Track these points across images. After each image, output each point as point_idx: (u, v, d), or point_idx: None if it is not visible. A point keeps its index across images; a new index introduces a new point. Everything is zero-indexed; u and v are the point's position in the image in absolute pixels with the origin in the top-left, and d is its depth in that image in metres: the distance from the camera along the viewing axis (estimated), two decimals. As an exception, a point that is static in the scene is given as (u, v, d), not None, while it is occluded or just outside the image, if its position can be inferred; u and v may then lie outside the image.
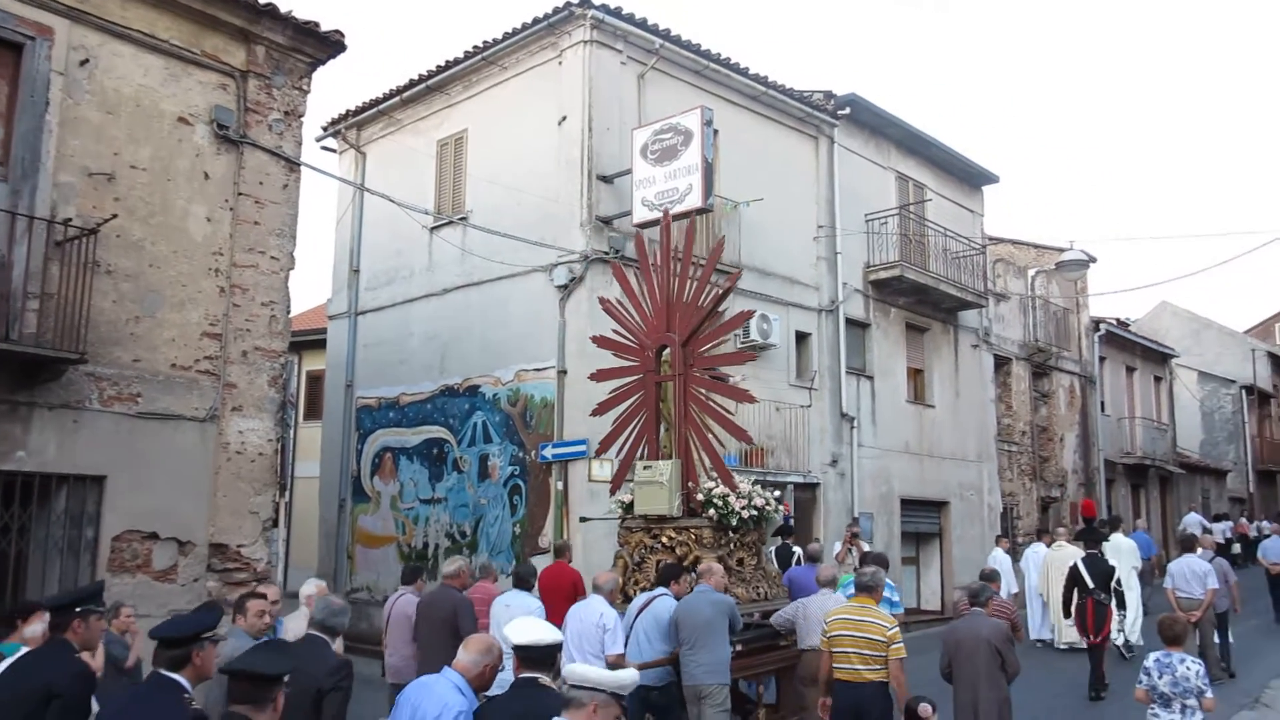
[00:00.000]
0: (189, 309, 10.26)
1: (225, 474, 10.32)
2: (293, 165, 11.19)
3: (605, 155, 14.92)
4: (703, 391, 10.15)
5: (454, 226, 16.51)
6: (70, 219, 9.31)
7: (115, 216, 9.63)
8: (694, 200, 13.89)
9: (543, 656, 4.79)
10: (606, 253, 14.61)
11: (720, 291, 10.35)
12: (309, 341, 20.45)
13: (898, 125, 20.86)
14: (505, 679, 5.08)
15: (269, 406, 10.77)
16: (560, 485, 14.27)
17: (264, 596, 7.33)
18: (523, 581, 9.69)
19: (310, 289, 30.73)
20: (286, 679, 4.23)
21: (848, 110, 19.47)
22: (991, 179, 23.95)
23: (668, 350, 10.29)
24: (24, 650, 5.57)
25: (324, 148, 19.32)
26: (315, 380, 21.74)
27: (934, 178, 22.40)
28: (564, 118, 15.07)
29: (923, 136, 21.51)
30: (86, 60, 9.70)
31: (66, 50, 9.54)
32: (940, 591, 21.17)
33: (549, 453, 14.35)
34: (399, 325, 17.29)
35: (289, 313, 11.13)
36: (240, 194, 10.70)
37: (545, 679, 4.74)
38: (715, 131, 14.44)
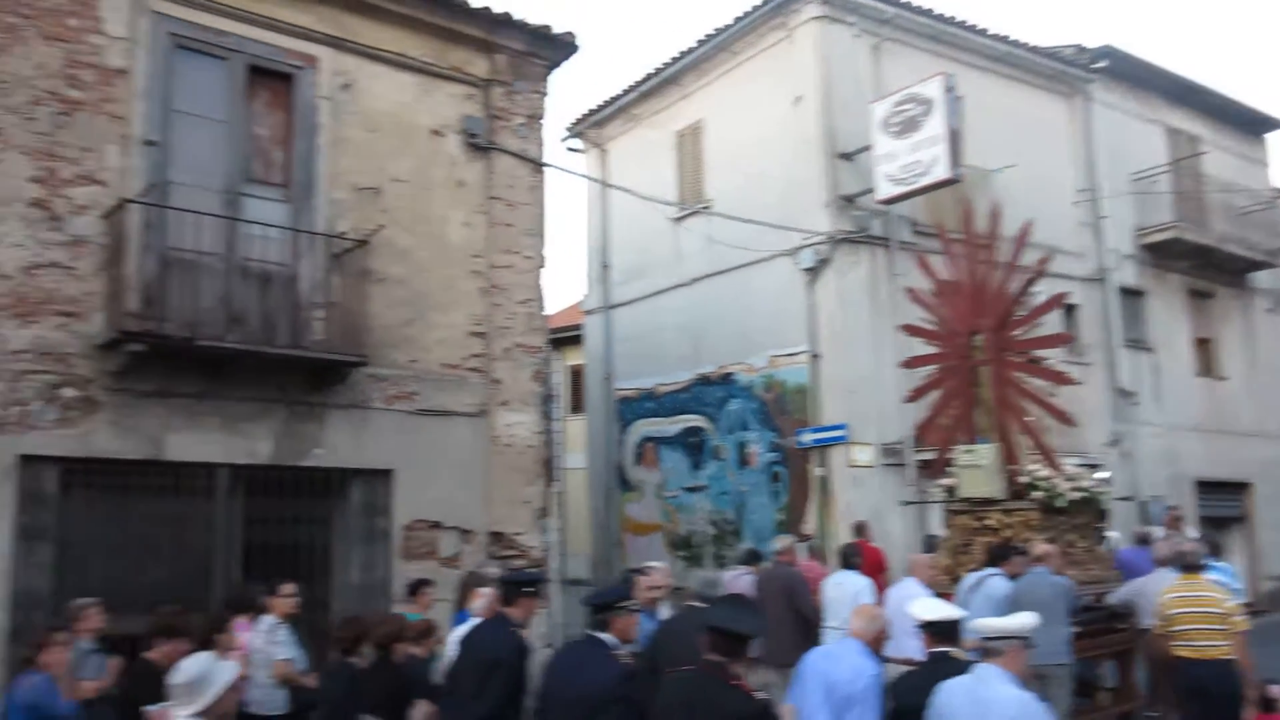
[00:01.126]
0: (454, 310, 10.78)
1: (498, 466, 10.75)
2: (538, 167, 11.59)
3: (844, 132, 14.59)
4: (1020, 376, 10.01)
5: (697, 216, 16.62)
6: (345, 232, 10.00)
7: (383, 227, 10.26)
8: (940, 171, 13.35)
9: (949, 631, 5.32)
10: (853, 232, 14.25)
11: (1030, 276, 10.12)
12: (569, 337, 21.14)
13: (1162, 75, 19.28)
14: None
15: (533, 400, 11.14)
16: (820, 471, 13.98)
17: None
18: (849, 561, 9.82)
19: (567, 287, 32.34)
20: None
21: (1104, 63, 18.17)
22: (1276, 124, 21.70)
23: (979, 335, 10.10)
24: (474, 621, 6.53)
25: (569, 149, 19.96)
26: (577, 375, 22.45)
27: (1208, 128, 20.52)
28: (799, 97, 14.88)
29: (1192, 84, 19.77)
30: (348, 84, 10.42)
31: (330, 76, 10.30)
32: (1247, 580, 19.18)
33: (807, 438, 14.11)
34: (651, 317, 17.56)
35: (544, 309, 11.51)
36: (492, 198, 11.17)
37: (955, 651, 5.26)
38: (959, 98, 13.80)
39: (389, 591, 9.76)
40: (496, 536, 10.61)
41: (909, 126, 13.70)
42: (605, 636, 5.36)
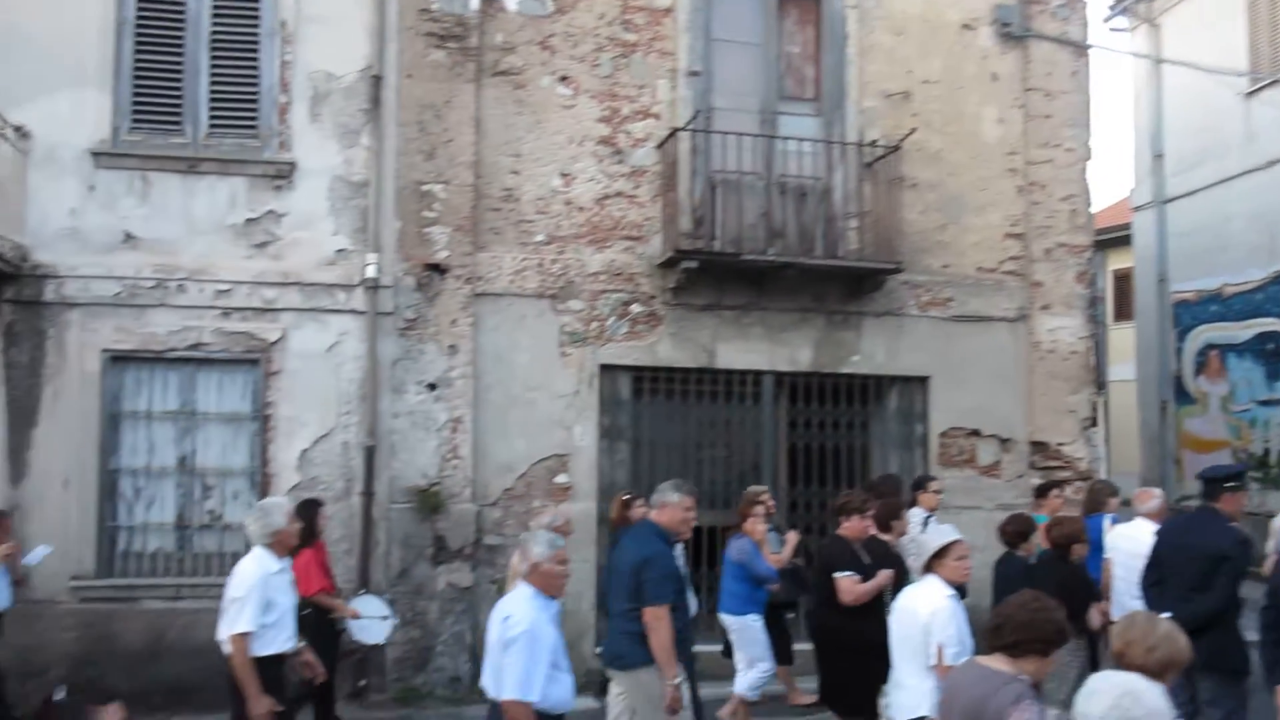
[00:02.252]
0: (989, 212, 10.36)
1: (1038, 373, 10.25)
2: (1080, 50, 10.64)
3: None
4: None
5: (1275, 87, 14.27)
6: (876, 140, 9.98)
7: (914, 131, 10.06)
8: None
9: None
10: None
11: None
12: (1112, 239, 19.40)
13: None
14: None
15: (1077, 304, 10.43)
16: None
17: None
18: None
19: (1108, 184, 28.54)
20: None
21: None
22: None
23: None
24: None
25: (1112, 29, 18.09)
26: (1122, 279, 20.59)
27: None
28: None
29: None
30: (875, -11, 10.30)
31: (857, -17, 10.24)
32: None
33: None
34: (1214, 208, 15.49)
35: (1089, 205, 10.65)
36: (1028, 89, 10.48)
37: None
38: None
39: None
40: (1038, 446, 10.17)
41: None
42: (1216, 506, 6.16)
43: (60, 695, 2.09)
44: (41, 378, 8.64)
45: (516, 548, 6.24)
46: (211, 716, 8.14)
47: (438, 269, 9.20)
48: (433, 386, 9.12)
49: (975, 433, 10.09)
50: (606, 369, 9.58)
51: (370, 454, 8.93)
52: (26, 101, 8.61)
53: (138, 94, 8.94)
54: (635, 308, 9.65)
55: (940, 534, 5.32)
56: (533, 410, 9.34)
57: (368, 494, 8.89)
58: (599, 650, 9.03)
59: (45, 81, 8.70)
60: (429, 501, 8.90)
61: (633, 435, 9.70)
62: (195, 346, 8.84)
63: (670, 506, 5.75)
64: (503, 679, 4.47)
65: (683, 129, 9.49)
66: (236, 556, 8.70)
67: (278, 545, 5.76)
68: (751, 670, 7.71)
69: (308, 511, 7.31)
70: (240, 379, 9.00)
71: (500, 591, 8.91)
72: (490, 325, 9.33)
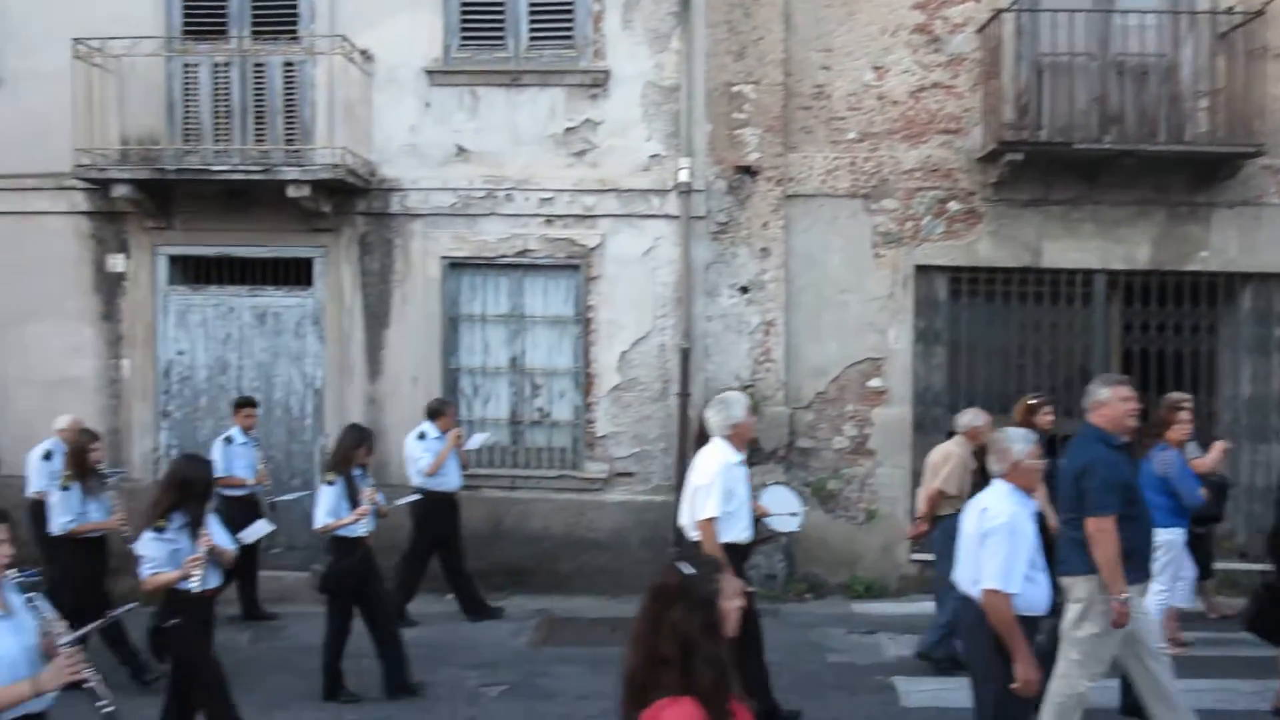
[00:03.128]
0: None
1: None
2: None
3: None
4: None
5: None
6: (1231, 7, 8.89)
7: (1280, -5, 8.87)
8: None
9: None
10: None
11: None
12: None
13: None
14: None
15: None
16: None
17: None
18: None
19: None
20: None
21: None
22: None
23: None
24: None
25: None
26: None
27: None
28: None
29: None
30: None
31: None
32: None
33: None
34: None
35: None
36: None
37: None
38: None
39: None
40: None
41: None
42: None
43: (682, 566, 2.27)
44: (391, 284, 9.42)
45: (710, 404, 6.17)
46: (543, 598, 8.79)
47: (749, 171, 9.16)
48: (745, 290, 9.16)
49: (1346, 335, 8.99)
50: (922, 270, 9.24)
51: (685, 356, 9.12)
52: (369, 26, 9.26)
53: (465, 12, 9.37)
54: (953, 205, 9.20)
55: None
56: (845, 313, 9.19)
57: (684, 395, 9.11)
58: (912, 557, 8.94)
59: (385, 6, 9.29)
60: (743, 403, 9.01)
61: (950, 339, 9.34)
62: (522, 253, 9.32)
63: (1105, 404, 5.08)
64: (981, 570, 4.39)
65: (1006, 10, 8.83)
66: (564, 451, 9.34)
67: (736, 438, 5.83)
68: (1176, 583, 7.14)
69: None
70: (563, 284, 9.42)
71: (815, 494, 9.01)
72: (802, 227, 9.21)
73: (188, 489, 5.24)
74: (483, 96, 9.37)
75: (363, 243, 9.45)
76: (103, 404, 9.64)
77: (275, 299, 9.63)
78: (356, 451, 6.62)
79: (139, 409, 9.60)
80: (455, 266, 9.41)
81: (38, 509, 7.64)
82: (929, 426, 9.17)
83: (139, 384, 9.66)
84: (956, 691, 5.65)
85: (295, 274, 9.64)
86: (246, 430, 8.57)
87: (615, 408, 9.26)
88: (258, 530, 6.48)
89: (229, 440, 8.48)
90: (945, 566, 6.28)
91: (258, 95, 9.32)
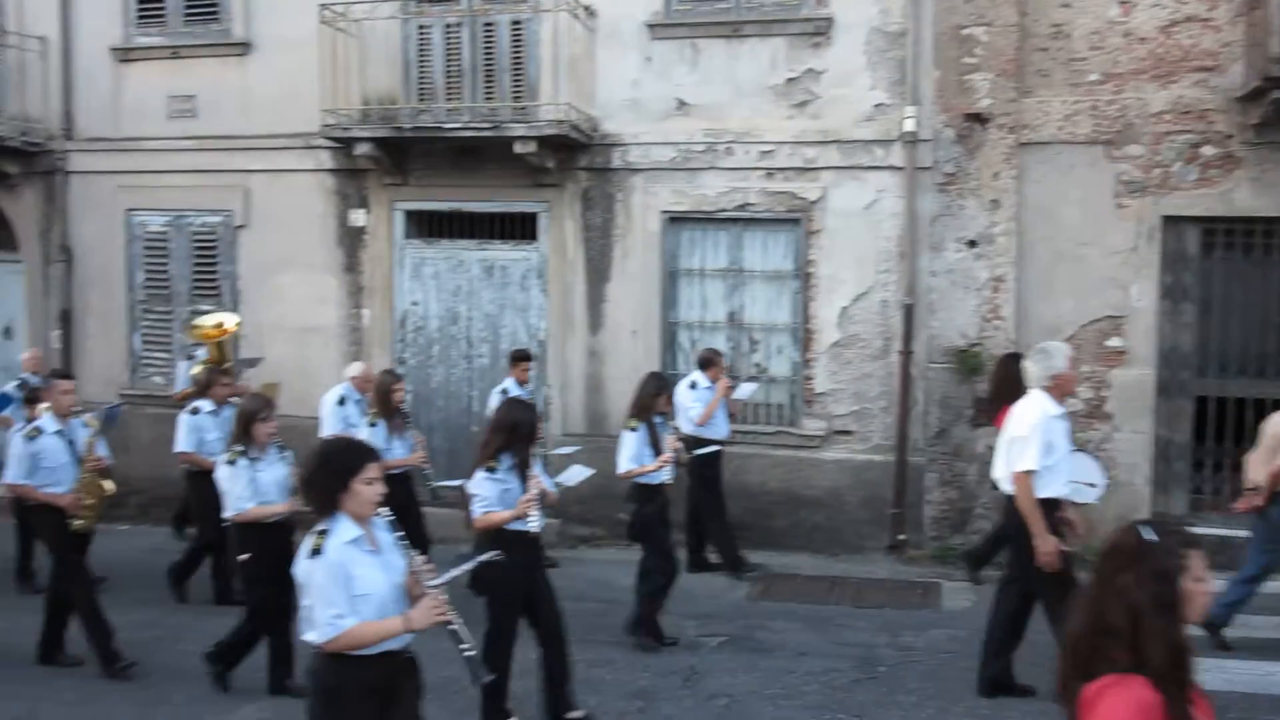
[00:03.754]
0: None
1: None
2: None
3: None
4: None
5: None
6: None
7: None
8: None
9: None
10: None
11: None
12: None
13: None
14: None
15: None
16: None
17: None
18: None
19: None
20: None
21: None
22: None
23: None
24: None
25: None
26: None
27: None
28: None
29: None
30: None
31: None
32: None
33: None
34: None
35: None
36: None
37: None
38: None
39: None
40: None
41: None
42: None
43: (1144, 529, 2.07)
44: (612, 238, 9.58)
45: (1030, 354, 5.91)
46: (759, 553, 8.82)
47: (979, 119, 8.74)
48: (973, 243, 8.79)
49: None
50: (1170, 221, 8.60)
51: (909, 312, 8.88)
52: (591, -20, 9.35)
53: (686, -36, 9.32)
54: (1207, 150, 8.49)
55: None
56: (1082, 268, 8.68)
57: (906, 352, 8.88)
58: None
59: (605, -41, 9.36)
60: (969, 362, 8.70)
61: (1200, 296, 8.67)
62: (742, 207, 9.26)
63: None
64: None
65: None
66: (781, 408, 9.30)
67: (1057, 389, 5.62)
68: None
69: None
70: (783, 238, 9.31)
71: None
72: (1035, 177, 8.73)
73: (516, 431, 5.33)
74: (703, 49, 9.30)
75: (585, 197, 9.63)
76: (345, 351, 10.29)
77: (502, 252, 9.98)
78: (657, 399, 6.68)
79: (377, 356, 10.17)
80: (675, 221, 9.46)
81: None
82: (1174, 390, 8.61)
83: (377, 332, 10.25)
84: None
85: (521, 228, 9.94)
86: (521, 383, 8.74)
87: (834, 364, 9.14)
88: (577, 475, 6.49)
89: (504, 392, 8.61)
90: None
91: (487, 54, 9.60)
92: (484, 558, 4.17)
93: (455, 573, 3.76)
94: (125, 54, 10.77)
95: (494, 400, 8.59)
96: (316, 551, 3.38)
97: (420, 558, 3.54)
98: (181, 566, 7.92)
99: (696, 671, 6.39)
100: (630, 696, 5.65)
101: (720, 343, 9.42)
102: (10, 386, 8.80)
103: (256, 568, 5.88)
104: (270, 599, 5.85)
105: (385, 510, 3.55)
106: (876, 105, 8.99)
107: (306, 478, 3.57)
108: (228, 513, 5.94)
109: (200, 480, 7.36)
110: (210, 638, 6.19)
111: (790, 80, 9.14)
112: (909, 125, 8.81)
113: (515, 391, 8.65)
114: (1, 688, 6.11)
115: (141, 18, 10.73)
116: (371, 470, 3.45)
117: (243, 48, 10.37)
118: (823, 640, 7.00)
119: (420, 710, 3.69)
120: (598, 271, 9.64)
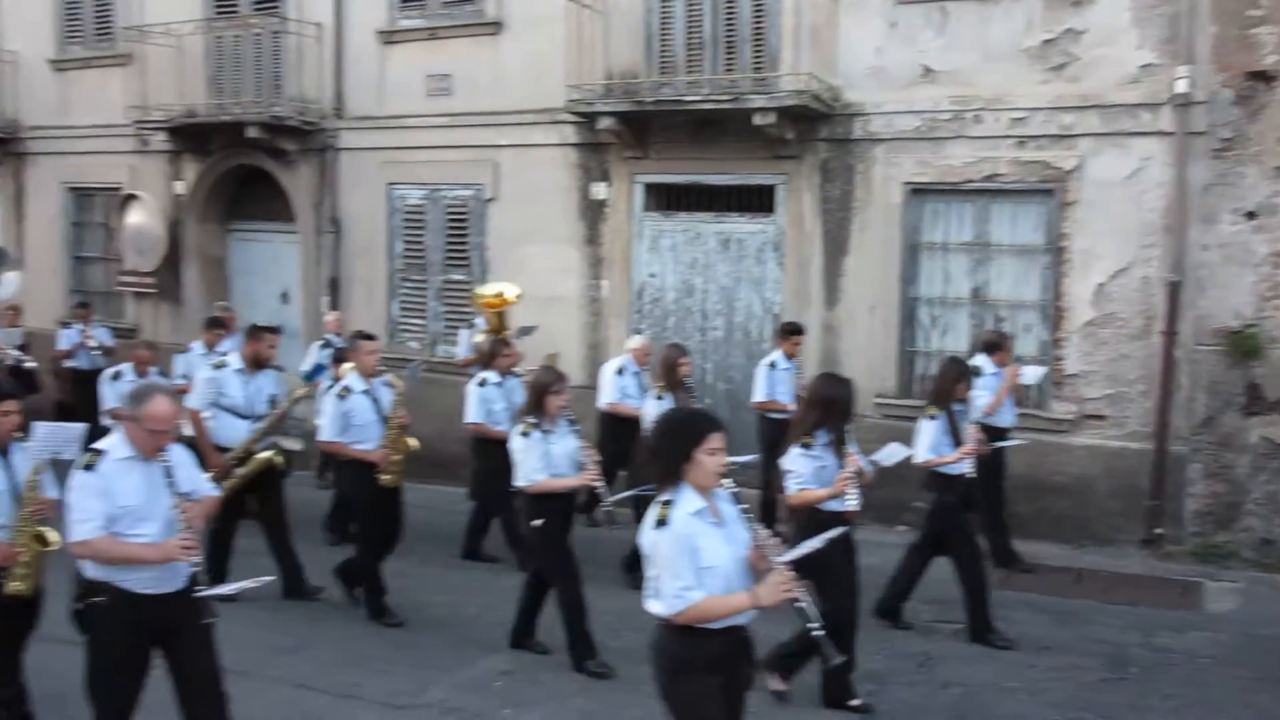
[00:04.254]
0: None
1: None
2: None
3: None
4: None
5: None
6: None
7: None
8: None
9: None
10: None
11: None
12: None
13: None
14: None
15: None
16: None
17: None
18: None
19: None
20: None
21: None
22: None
23: None
24: None
25: None
26: None
27: None
28: None
29: None
30: None
31: None
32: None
33: None
34: None
35: None
36: None
37: None
38: None
39: None
40: None
41: None
42: None
43: None
44: (851, 210, 9.37)
45: None
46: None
47: (1263, 77, 7.96)
48: (1251, 215, 8.04)
49: None
50: None
51: (1174, 290, 8.21)
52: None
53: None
54: None
55: None
56: (1384, 243, 7.78)
57: (1170, 333, 8.23)
58: None
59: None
60: (1243, 345, 7.98)
61: None
62: (990, 178, 8.83)
63: None
64: None
65: None
66: (1028, 389, 8.81)
67: None
68: None
69: None
70: (1034, 210, 8.82)
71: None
72: (1328, 141, 7.87)
73: (831, 407, 5.26)
74: (952, 12, 8.89)
75: (824, 169, 9.45)
76: (584, 320, 10.61)
77: (738, 225, 9.97)
78: (957, 386, 6.43)
79: (615, 326, 10.42)
80: (917, 192, 9.14)
81: (607, 420, 8.68)
82: None
83: (616, 303, 10.49)
84: None
85: (758, 201, 9.88)
86: (790, 357, 8.68)
87: (1088, 344, 8.59)
88: (894, 453, 6.15)
89: (772, 365, 8.66)
90: None
91: (728, 25, 9.55)
92: (829, 534, 3.92)
93: (804, 549, 3.61)
94: (389, 36, 11.43)
95: (761, 374, 8.65)
96: (662, 522, 3.31)
97: (765, 531, 3.41)
98: (469, 534, 8.22)
99: (931, 657, 6.23)
100: (863, 679, 5.56)
101: (963, 320, 9.07)
102: (319, 352, 9.53)
103: (545, 535, 5.92)
104: (565, 561, 5.92)
105: (729, 481, 3.44)
106: (1143, 66, 8.32)
107: (652, 448, 3.52)
108: (519, 482, 5.93)
109: (487, 448, 7.60)
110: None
111: (1046, 42, 8.60)
112: (1180, 86, 8.11)
113: (783, 366, 8.67)
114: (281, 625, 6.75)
115: (404, 1, 11.36)
116: (715, 440, 3.34)
117: (494, 27, 10.79)
118: (1067, 635, 6.66)
119: (753, 683, 3.68)
120: (835, 245, 9.46)
